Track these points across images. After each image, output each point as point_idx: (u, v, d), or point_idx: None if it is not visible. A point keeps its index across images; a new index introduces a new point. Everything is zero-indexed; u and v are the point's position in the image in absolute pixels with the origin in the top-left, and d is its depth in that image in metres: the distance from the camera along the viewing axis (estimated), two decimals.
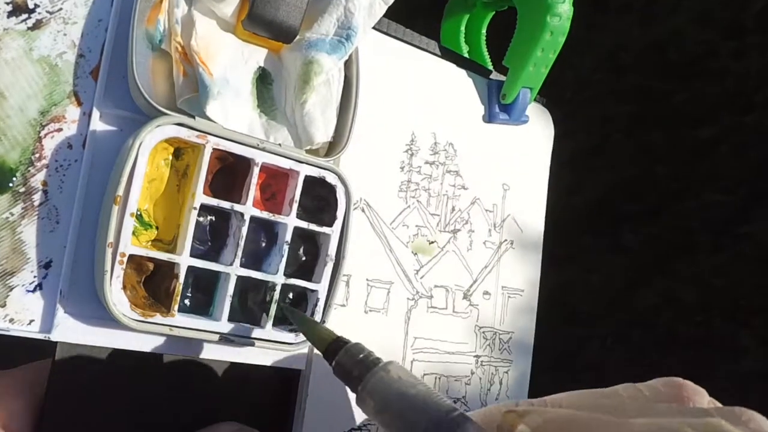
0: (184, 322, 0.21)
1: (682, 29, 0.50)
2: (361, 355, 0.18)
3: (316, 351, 0.24)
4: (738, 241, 0.47)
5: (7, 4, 0.20)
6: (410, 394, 0.17)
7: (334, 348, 0.19)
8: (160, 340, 0.21)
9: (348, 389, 0.19)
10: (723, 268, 0.47)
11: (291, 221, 0.22)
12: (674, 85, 0.51)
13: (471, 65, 0.30)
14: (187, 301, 0.22)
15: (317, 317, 0.23)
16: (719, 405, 0.17)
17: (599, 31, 0.50)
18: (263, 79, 0.23)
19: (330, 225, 0.23)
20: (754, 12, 0.49)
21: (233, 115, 0.22)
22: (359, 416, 0.25)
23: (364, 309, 0.26)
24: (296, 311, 0.22)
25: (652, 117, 0.52)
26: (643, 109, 0.52)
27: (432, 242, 0.28)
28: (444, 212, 0.29)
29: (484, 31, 0.32)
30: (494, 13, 0.31)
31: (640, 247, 0.50)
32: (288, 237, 0.22)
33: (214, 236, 0.22)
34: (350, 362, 0.19)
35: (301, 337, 0.23)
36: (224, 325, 0.21)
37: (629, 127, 0.52)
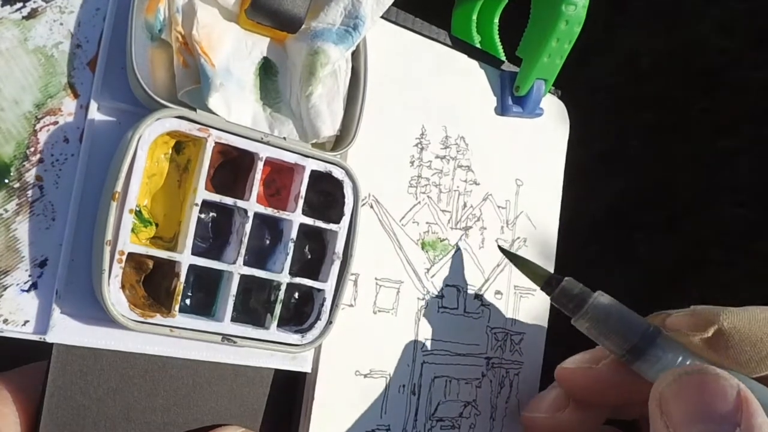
0: (185, 323, 0.20)
1: (705, 37, 0.48)
2: (577, 289, 0.24)
3: (323, 353, 0.23)
4: (751, 258, 0.46)
5: None
6: (622, 314, 0.24)
7: (553, 282, 0.25)
8: (161, 341, 0.20)
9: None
10: (735, 285, 0.46)
11: (296, 218, 0.22)
12: (694, 94, 0.50)
13: (483, 56, 0.29)
14: (188, 301, 0.21)
15: (324, 317, 0.22)
16: None
17: (618, 34, 0.49)
18: (267, 70, 0.22)
19: (337, 222, 0.22)
20: None
21: (236, 107, 0.21)
22: (368, 418, 0.25)
23: (372, 309, 0.25)
24: (509, 251, 0.28)
25: (670, 126, 0.50)
26: (661, 117, 0.50)
27: (443, 240, 0.27)
28: (455, 208, 0.28)
29: (496, 20, 0.31)
30: (507, 1, 0.30)
31: (650, 260, 0.49)
32: (293, 234, 0.22)
33: (216, 233, 0.22)
34: (571, 293, 0.24)
35: (307, 338, 0.22)
36: (227, 326, 0.21)
37: (646, 134, 0.50)
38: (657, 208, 0.50)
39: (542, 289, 0.26)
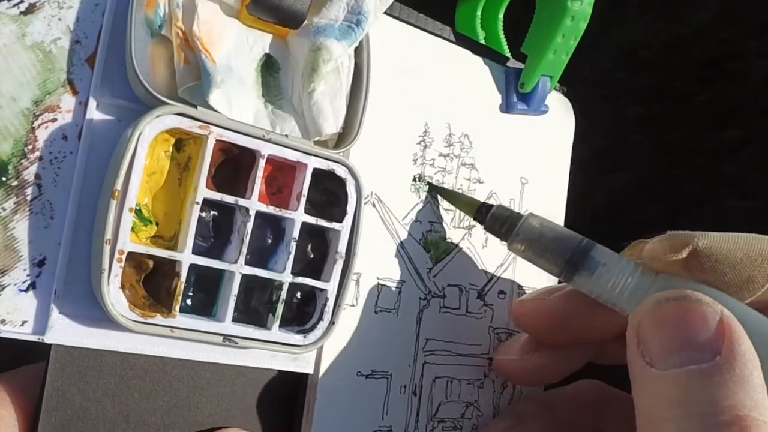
0: (185, 323, 0.20)
1: (705, 27, 0.48)
2: (507, 213, 0.25)
3: (324, 354, 0.23)
4: None
5: None
6: (554, 232, 0.24)
7: (483, 210, 0.25)
8: (161, 341, 0.20)
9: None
10: None
11: (299, 217, 0.21)
12: (696, 85, 0.49)
13: (487, 52, 0.29)
14: (188, 301, 0.21)
15: (326, 318, 0.22)
16: None
17: (617, 27, 0.49)
18: (269, 67, 0.22)
19: (340, 220, 0.22)
20: None
21: (237, 104, 0.21)
22: (369, 420, 0.24)
23: (374, 309, 0.25)
24: (438, 186, 0.27)
25: (671, 118, 0.50)
26: (662, 110, 0.50)
27: (446, 239, 0.27)
28: None
29: (501, 16, 0.30)
30: None
31: None
32: (295, 233, 0.21)
33: (217, 232, 0.21)
34: (501, 217, 0.25)
35: (310, 339, 0.22)
36: (228, 327, 0.20)
37: (647, 128, 0.50)
38: (659, 202, 0.50)
39: (475, 218, 0.25)
